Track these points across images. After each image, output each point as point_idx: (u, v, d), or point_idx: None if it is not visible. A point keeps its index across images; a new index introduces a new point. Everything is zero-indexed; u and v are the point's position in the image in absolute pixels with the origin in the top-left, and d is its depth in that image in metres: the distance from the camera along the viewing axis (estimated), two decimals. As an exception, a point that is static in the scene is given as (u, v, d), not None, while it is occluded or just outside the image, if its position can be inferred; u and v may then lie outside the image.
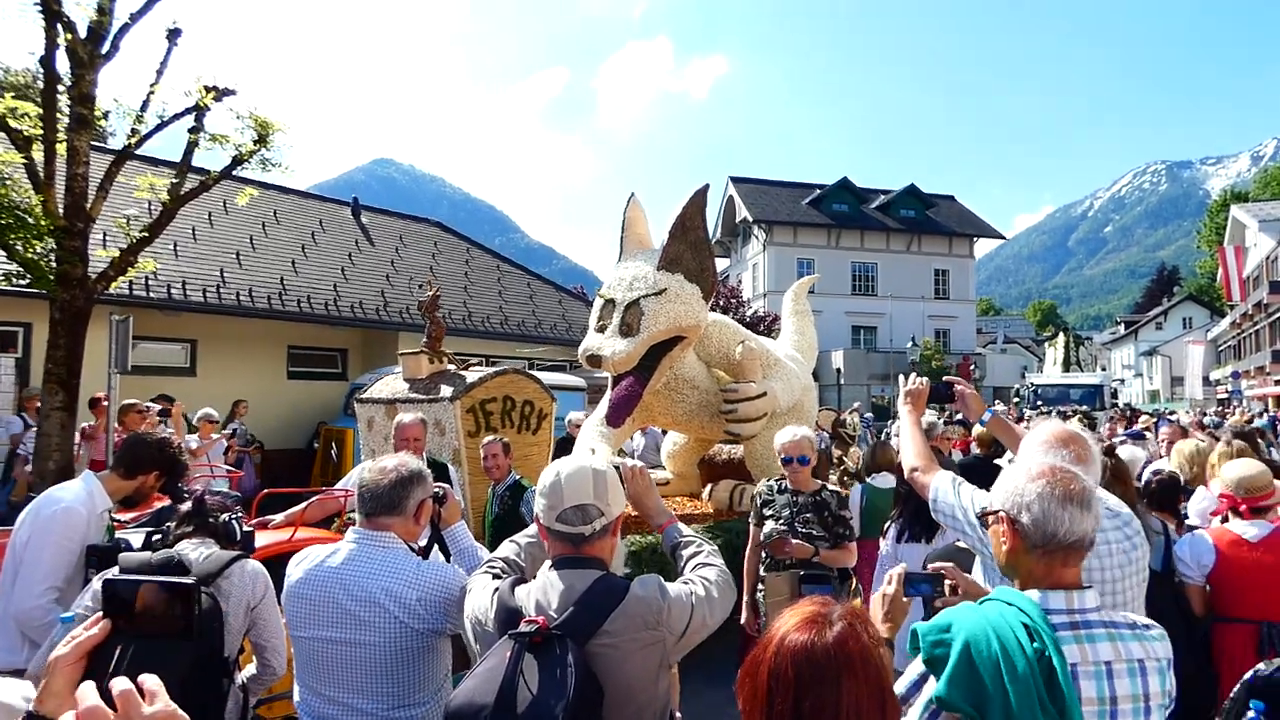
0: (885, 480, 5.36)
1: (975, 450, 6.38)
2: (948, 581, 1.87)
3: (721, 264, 40.63)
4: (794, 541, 3.31)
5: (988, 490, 4.34)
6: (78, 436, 6.18)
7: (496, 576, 1.77)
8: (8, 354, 9.12)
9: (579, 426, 7.51)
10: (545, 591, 1.63)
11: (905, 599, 1.83)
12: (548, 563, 1.71)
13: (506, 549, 1.92)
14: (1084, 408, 21.08)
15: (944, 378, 2.84)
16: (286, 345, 12.50)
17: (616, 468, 2.05)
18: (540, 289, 17.49)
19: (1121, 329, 54.22)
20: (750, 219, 34.21)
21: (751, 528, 3.67)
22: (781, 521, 3.42)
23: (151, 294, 10.02)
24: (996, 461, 4.27)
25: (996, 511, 1.54)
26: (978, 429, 5.94)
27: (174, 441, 2.69)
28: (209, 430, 7.94)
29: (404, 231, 16.70)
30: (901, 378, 2.79)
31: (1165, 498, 3.44)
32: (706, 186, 5.04)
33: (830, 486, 3.48)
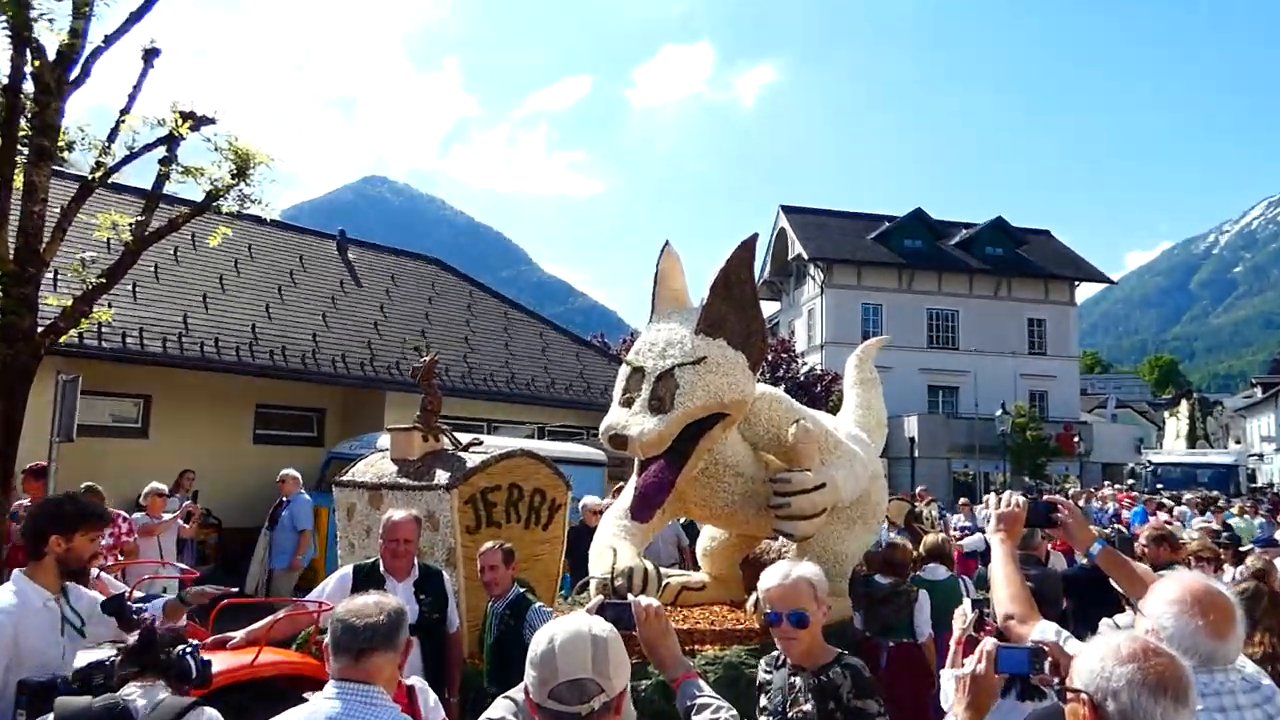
0: (936, 572, 5.48)
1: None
2: (1048, 660, 1.91)
3: (770, 309, 40.79)
4: None
5: (1102, 609, 4.18)
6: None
7: None
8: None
9: (598, 514, 7.48)
10: None
11: (996, 676, 1.90)
12: None
13: (501, 708, 1.93)
14: (1214, 492, 20.49)
15: (1045, 497, 2.79)
16: (255, 404, 12.71)
17: (628, 608, 2.05)
18: (554, 340, 17.66)
19: (1259, 392, 52.84)
20: (805, 256, 34.45)
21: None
22: (771, 715, 2.76)
23: (104, 343, 10.30)
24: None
25: (1078, 691, 1.56)
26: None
27: (56, 498, 2.84)
28: (159, 506, 8.02)
29: (397, 270, 17.07)
30: (991, 498, 2.74)
31: None
32: (755, 237, 5.09)
33: (848, 660, 2.73)
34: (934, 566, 5.60)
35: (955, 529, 11.19)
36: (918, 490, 15.32)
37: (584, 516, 8.37)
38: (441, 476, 5.18)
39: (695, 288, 5.46)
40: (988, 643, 1.99)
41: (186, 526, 8.52)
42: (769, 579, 2.75)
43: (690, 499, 5.36)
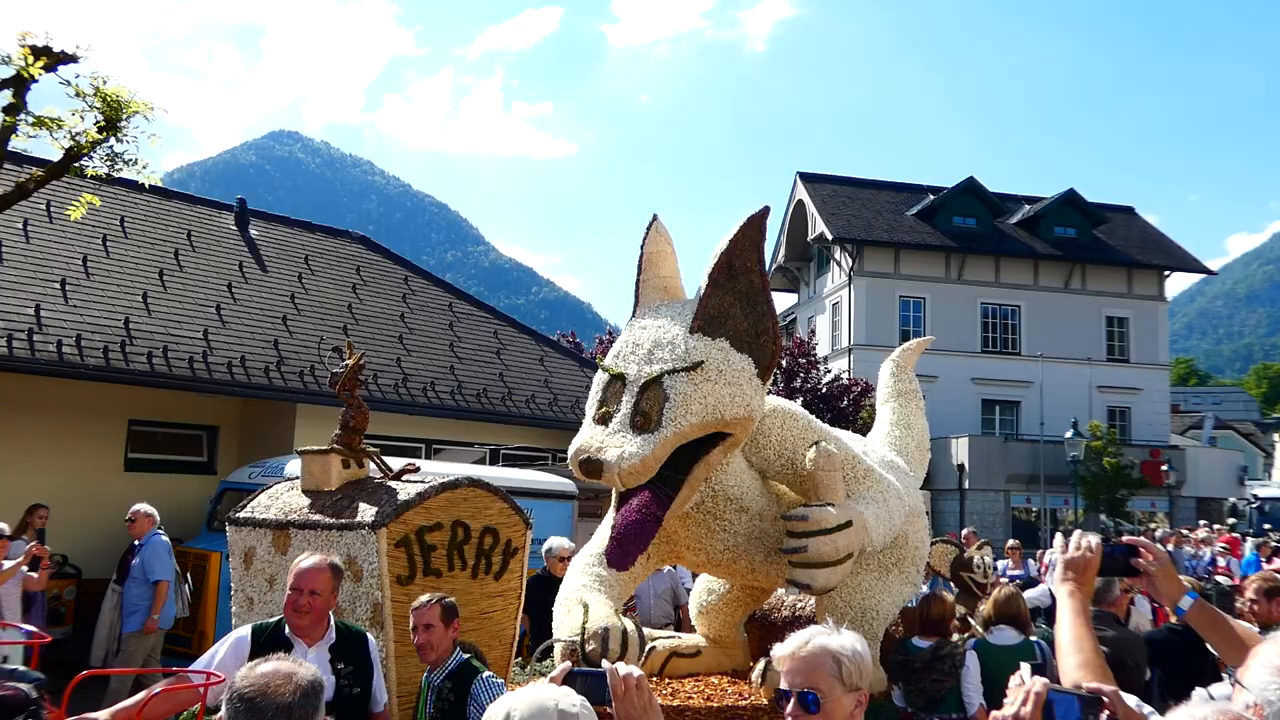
0: (1006, 636, 5.62)
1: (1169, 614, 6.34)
2: (1105, 713, 1.94)
3: (784, 302, 40.98)
4: None
5: (1194, 678, 4.26)
6: None
7: None
8: None
9: (564, 561, 7.49)
10: None
11: None
12: None
13: None
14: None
15: (1123, 536, 2.83)
16: (127, 420, 12.64)
17: (603, 677, 2.06)
18: (513, 340, 17.68)
19: (1394, 411, 53.78)
20: (829, 236, 34.68)
21: None
22: None
23: (-67, 341, 10.20)
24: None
25: None
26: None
27: None
28: (2, 550, 7.95)
29: (312, 250, 17.04)
30: (1058, 540, 2.77)
31: None
32: (765, 211, 5.13)
33: None
34: (1003, 629, 5.63)
35: (1002, 578, 11.27)
36: (966, 531, 15.41)
37: (548, 563, 8.38)
38: (366, 512, 5.17)
39: (690, 275, 5.48)
40: (1036, 682, 2.01)
41: (34, 576, 8.43)
42: (786, 645, 2.65)
43: (682, 541, 5.38)
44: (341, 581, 4.41)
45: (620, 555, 4.86)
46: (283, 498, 5.70)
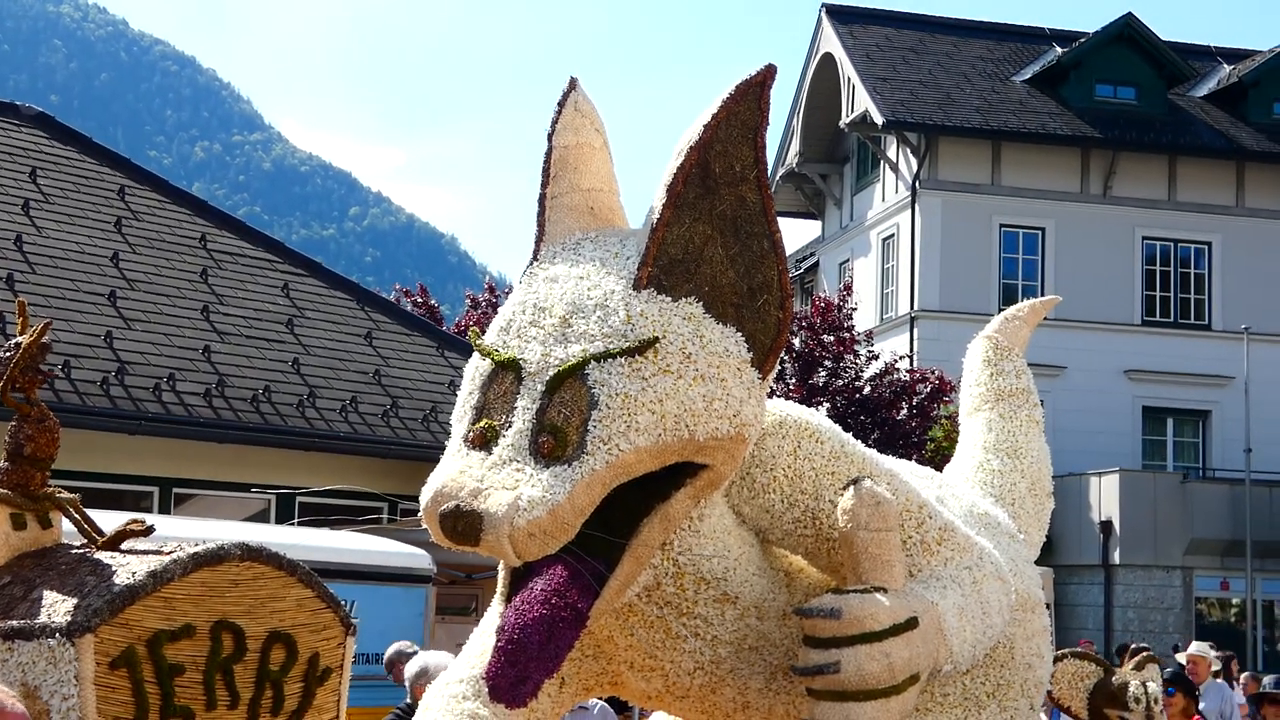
0: None
1: None
2: None
3: (799, 236, 41.10)
4: None
5: None
6: None
7: None
8: None
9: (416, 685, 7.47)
10: None
11: None
12: None
13: None
14: None
15: None
16: None
17: None
18: (318, 299, 17.66)
19: None
20: (878, 119, 34.74)
21: None
22: None
23: None
24: None
25: None
26: None
27: None
28: None
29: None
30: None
31: None
32: (768, 74, 5.19)
33: None
34: None
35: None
36: (1133, 648, 15.63)
37: (415, 695, 8.44)
38: (56, 607, 5.13)
39: (640, 186, 5.52)
40: None
41: None
42: None
43: (622, 655, 5.44)
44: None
45: (513, 682, 4.89)
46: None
